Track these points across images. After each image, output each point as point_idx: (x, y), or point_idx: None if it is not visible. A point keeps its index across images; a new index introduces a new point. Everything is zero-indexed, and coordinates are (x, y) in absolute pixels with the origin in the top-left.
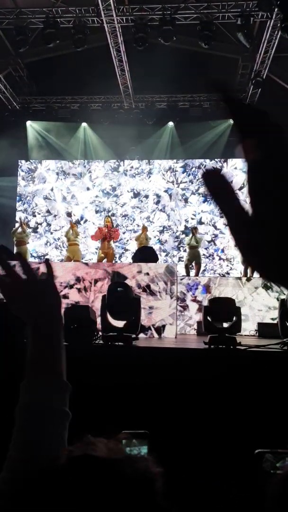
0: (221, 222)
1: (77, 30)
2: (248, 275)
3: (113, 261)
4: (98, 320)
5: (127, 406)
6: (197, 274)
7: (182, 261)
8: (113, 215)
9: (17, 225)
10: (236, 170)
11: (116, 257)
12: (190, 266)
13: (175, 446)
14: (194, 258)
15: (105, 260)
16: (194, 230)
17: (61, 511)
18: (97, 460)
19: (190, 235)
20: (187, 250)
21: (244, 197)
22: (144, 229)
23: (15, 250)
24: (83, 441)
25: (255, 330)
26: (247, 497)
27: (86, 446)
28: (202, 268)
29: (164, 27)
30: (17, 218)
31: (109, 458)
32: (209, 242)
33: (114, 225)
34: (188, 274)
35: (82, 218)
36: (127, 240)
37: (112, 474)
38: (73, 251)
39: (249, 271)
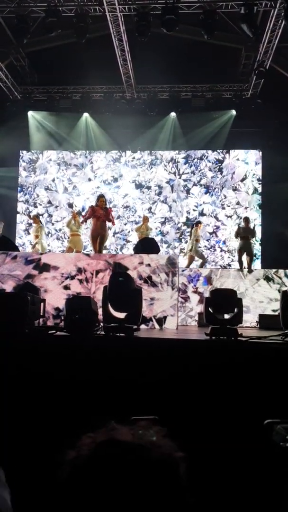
0: (222, 213)
1: (79, 19)
2: (244, 265)
3: (105, 244)
4: (100, 311)
5: (128, 396)
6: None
7: (184, 252)
8: (114, 206)
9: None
10: (238, 162)
11: (117, 249)
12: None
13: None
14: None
15: (104, 251)
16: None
17: (93, 494)
18: (124, 444)
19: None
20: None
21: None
22: (145, 219)
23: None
24: (106, 427)
25: (256, 321)
26: (258, 474)
27: (111, 431)
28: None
29: (166, 16)
30: (18, 209)
31: (134, 443)
32: (210, 233)
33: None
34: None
35: (83, 209)
36: (129, 232)
37: (139, 458)
38: (75, 242)
39: (244, 259)
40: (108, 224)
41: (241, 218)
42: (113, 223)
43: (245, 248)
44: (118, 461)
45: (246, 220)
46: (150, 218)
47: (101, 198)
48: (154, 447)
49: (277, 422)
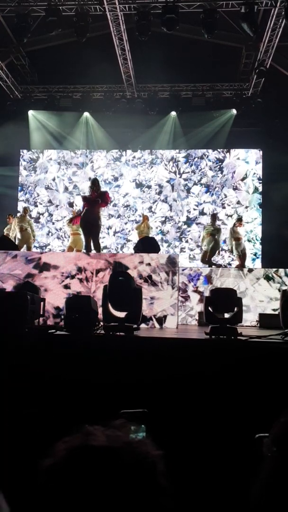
0: (223, 213)
1: (79, 18)
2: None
3: (99, 235)
4: (100, 310)
5: (127, 396)
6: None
7: (184, 251)
8: (115, 205)
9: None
10: (238, 161)
11: (117, 248)
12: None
13: (174, 432)
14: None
15: (104, 250)
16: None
17: (65, 502)
18: (97, 449)
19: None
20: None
21: (246, 188)
22: (145, 218)
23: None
24: (80, 432)
25: (256, 320)
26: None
27: (84, 436)
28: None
29: (167, 15)
30: (19, 208)
31: (109, 446)
32: None
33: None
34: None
35: (83, 208)
36: (129, 231)
37: (113, 462)
38: (76, 241)
39: (234, 253)
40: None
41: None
42: (105, 204)
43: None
44: (92, 467)
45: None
46: (151, 217)
47: (94, 181)
48: (129, 449)
49: (266, 436)
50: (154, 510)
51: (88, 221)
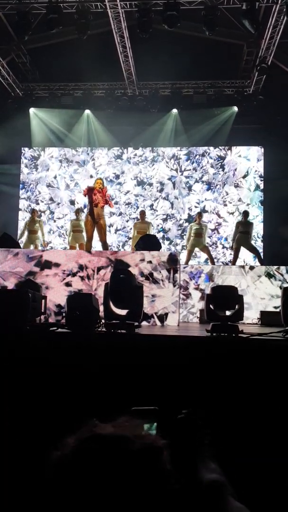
0: (224, 210)
1: (80, 15)
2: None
3: (106, 234)
4: (101, 308)
5: (129, 394)
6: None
7: (185, 249)
8: (116, 203)
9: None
10: (239, 158)
11: (119, 245)
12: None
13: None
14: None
15: (100, 246)
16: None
17: (79, 488)
18: (105, 438)
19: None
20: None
21: (247, 186)
22: (142, 214)
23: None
24: (89, 424)
25: (258, 318)
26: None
27: (93, 428)
28: (205, 256)
29: (168, 12)
30: (20, 206)
31: (116, 434)
32: (212, 230)
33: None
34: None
35: (85, 206)
36: (130, 228)
37: (121, 449)
38: (77, 238)
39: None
40: (115, 217)
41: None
42: (111, 205)
43: (245, 243)
44: (101, 453)
45: (245, 214)
46: (152, 215)
47: (98, 180)
48: (135, 438)
49: None
50: (160, 496)
51: (96, 220)
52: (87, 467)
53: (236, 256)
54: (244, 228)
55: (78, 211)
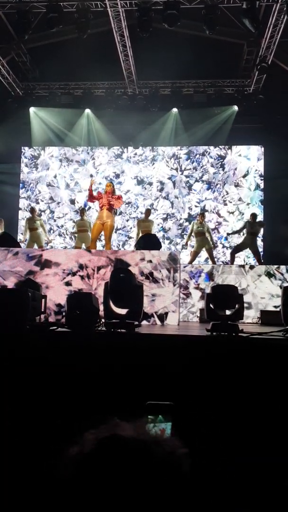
0: (224, 209)
1: (80, 14)
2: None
3: (112, 234)
4: (101, 307)
5: (128, 393)
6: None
7: (185, 249)
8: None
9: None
10: (240, 157)
11: (119, 245)
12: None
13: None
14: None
15: (103, 239)
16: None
17: (96, 491)
18: (126, 440)
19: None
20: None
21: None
22: (147, 213)
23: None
24: (109, 423)
25: (258, 317)
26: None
27: (113, 427)
28: (205, 255)
29: (168, 11)
30: (20, 205)
31: (137, 439)
32: (212, 230)
33: (116, 194)
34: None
35: (85, 205)
36: (131, 228)
37: (141, 455)
38: (83, 238)
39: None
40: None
41: (243, 214)
42: (117, 205)
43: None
44: (121, 457)
45: (253, 216)
46: (152, 214)
47: (108, 183)
48: (157, 444)
49: None
50: (175, 507)
51: (103, 222)
52: (105, 469)
53: (235, 255)
54: (252, 229)
55: (82, 211)
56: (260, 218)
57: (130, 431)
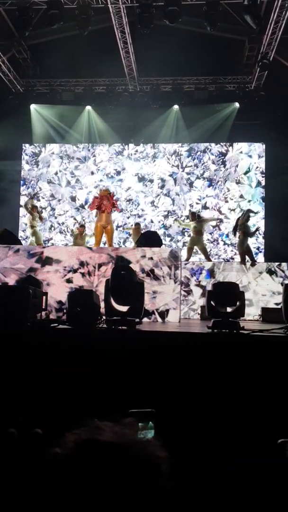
0: (226, 207)
1: (81, 11)
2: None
3: (113, 238)
4: (102, 304)
5: (130, 390)
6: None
7: (186, 246)
8: (117, 199)
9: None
10: (241, 154)
11: (120, 242)
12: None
13: (178, 428)
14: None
15: (105, 241)
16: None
17: (71, 494)
18: (104, 445)
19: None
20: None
21: (249, 182)
22: (136, 227)
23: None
24: (89, 425)
25: (259, 315)
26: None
27: (93, 430)
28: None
29: (169, 7)
30: (21, 202)
31: (116, 443)
32: (213, 227)
33: (114, 198)
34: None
35: (86, 202)
36: (131, 225)
37: (119, 459)
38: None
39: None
40: (116, 214)
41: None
42: (118, 210)
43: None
44: (98, 461)
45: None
46: (153, 212)
47: (104, 190)
48: (135, 447)
49: None
50: (154, 509)
51: (104, 226)
52: (82, 472)
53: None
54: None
55: (82, 228)
56: (261, 215)
57: (110, 435)
